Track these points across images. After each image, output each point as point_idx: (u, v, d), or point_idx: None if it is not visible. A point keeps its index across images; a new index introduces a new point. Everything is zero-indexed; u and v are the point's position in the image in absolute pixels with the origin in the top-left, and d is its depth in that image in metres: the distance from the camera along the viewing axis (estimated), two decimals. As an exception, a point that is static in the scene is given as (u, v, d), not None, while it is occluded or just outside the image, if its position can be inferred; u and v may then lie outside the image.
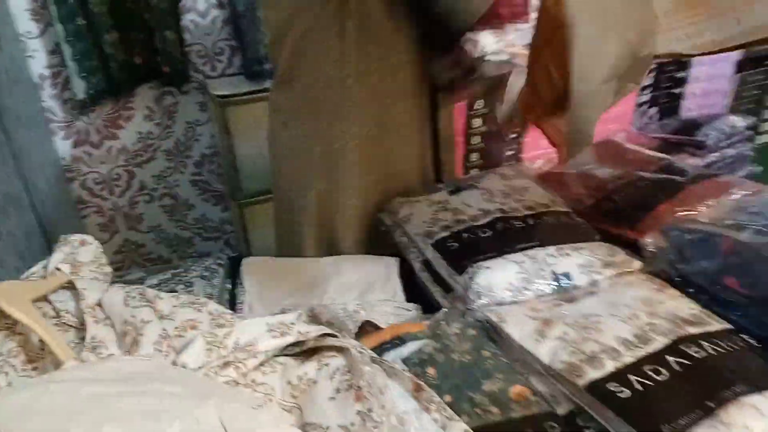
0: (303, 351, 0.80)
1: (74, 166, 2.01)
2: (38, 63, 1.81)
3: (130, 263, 2.22)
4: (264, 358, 0.76)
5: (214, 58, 1.97)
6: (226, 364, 0.73)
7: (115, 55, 1.83)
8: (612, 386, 0.67)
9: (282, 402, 0.71)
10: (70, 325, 0.84)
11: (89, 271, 0.90)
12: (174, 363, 0.73)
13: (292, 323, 0.78)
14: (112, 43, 1.79)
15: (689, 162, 1.51)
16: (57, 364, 0.71)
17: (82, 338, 0.80)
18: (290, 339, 0.77)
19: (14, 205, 1.30)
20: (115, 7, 1.76)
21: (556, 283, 0.85)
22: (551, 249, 0.90)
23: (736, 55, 1.83)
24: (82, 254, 0.92)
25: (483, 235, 0.95)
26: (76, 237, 0.95)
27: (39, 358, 0.80)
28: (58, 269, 0.88)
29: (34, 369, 0.80)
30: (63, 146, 1.97)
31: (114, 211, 2.16)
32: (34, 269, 0.94)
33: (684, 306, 0.81)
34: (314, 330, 0.78)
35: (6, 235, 1.19)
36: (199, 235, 2.28)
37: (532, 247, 0.90)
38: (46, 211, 1.60)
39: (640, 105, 1.82)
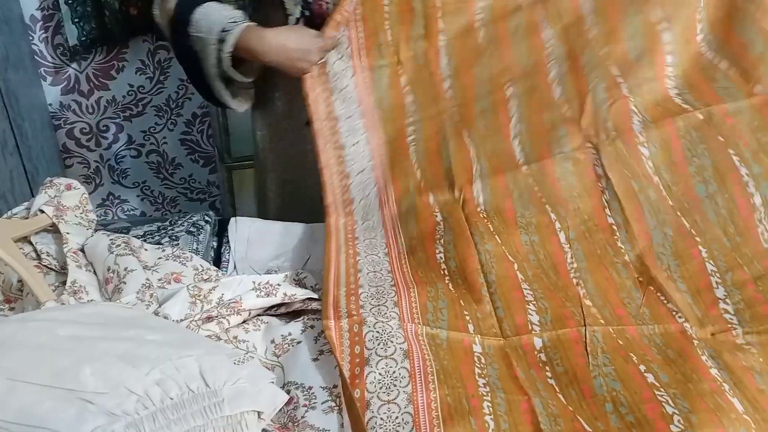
0: (287, 312, 0.79)
1: (61, 114, 1.96)
2: (30, 4, 1.76)
3: (113, 217, 2.19)
4: (247, 316, 0.76)
5: (213, 16, 1.93)
6: (209, 318, 0.73)
7: (111, 3, 1.78)
8: None
9: (264, 359, 0.71)
10: (51, 268, 0.82)
11: (73, 216, 0.89)
12: (156, 313, 0.72)
13: (279, 285, 0.77)
14: (108, -10, 1.74)
15: None
16: (35, 305, 0.70)
17: (63, 282, 0.79)
18: (275, 300, 0.76)
19: (1, 147, 1.27)
20: (114, -46, 1.70)
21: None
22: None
23: None
24: (67, 198, 0.90)
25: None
26: (62, 180, 0.93)
27: (17, 297, 0.79)
28: (41, 211, 0.87)
29: (11, 309, 0.78)
30: (51, 92, 1.91)
31: (99, 163, 2.12)
32: (16, 210, 0.92)
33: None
34: (300, 293, 0.78)
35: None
36: (184, 195, 2.25)
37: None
38: (32, 155, 1.57)
39: None
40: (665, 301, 0.72)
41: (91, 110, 2.04)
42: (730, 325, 0.69)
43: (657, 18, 0.87)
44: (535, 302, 0.74)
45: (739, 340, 0.68)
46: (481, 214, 0.84)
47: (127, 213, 2.25)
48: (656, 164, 0.80)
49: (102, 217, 2.19)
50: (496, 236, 0.81)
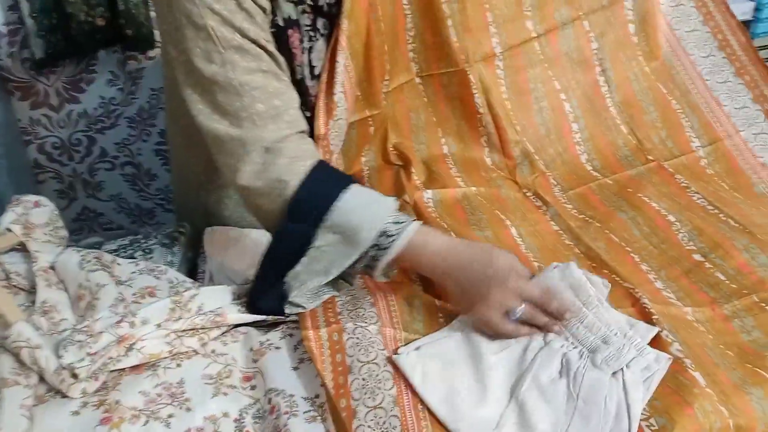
0: (265, 324, 0.78)
1: (31, 129, 1.92)
2: (-6, 19, 1.72)
3: (89, 232, 2.15)
4: (226, 329, 0.74)
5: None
6: (192, 334, 0.71)
7: (76, 14, 1.75)
8: None
9: (245, 370, 0.69)
10: (21, 288, 0.80)
11: (43, 234, 0.87)
12: (133, 318, 0.69)
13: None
14: (73, 1, 1.71)
15: None
16: (6, 325, 0.68)
17: (33, 301, 0.77)
18: (257, 317, 0.75)
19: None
20: (78, -36, 1.67)
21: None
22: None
23: None
24: (35, 216, 0.88)
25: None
26: (31, 198, 0.90)
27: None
28: (8, 230, 0.84)
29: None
30: (20, 107, 1.88)
31: (73, 178, 2.09)
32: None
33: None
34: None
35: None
36: (161, 206, 2.22)
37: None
38: (0, 173, 1.53)
39: None
40: (620, 281, 0.77)
41: (62, 124, 2.00)
42: (676, 306, 0.75)
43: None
44: None
45: (689, 316, 0.73)
46: (433, 214, 0.90)
47: (104, 227, 2.21)
48: (579, 210, 0.94)
49: (77, 233, 2.15)
50: (452, 233, 0.86)
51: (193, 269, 0.96)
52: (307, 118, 0.79)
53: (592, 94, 1.06)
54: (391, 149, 1.04)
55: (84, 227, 2.16)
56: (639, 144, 1.03)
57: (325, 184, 0.71)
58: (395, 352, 0.65)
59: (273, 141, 0.71)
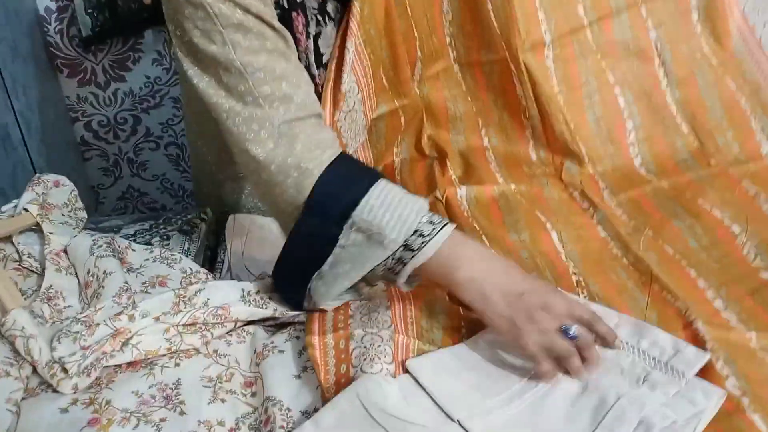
0: (275, 324, 0.73)
1: (78, 107, 1.94)
2: (45, -4, 1.74)
3: (133, 211, 2.17)
4: (232, 327, 0.70)
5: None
6: (194, 331, 0.67)
7: (125, -8, 1.75)
8: None
9: (248, 373, 0.65)
10: (32, 271, 0.78)
11: (60, 215, 0.84)
12: (133, 311, 0.65)
13: (270, 298, 0.71)
14: (122, -21, 1.70)
15: None
16: (4, 312, 0.65)
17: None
18: (265, 313, 0.70)
19: (2, 140, 1.24)
20: (127, -58, 1.66)
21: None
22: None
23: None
24: (54, 196, 0.86)
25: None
26: (50, 177, 0.88)
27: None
28: (25, 209, 0.82)
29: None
30: (68, 85, 1.89)
31: (118, 156, 2.10)
32: (5, 207, 0.88)
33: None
34: (292, 313, 0.71)
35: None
36: (205, 187, 2.22)
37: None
38: (42, 149, 1.54)
39: None
40: (672, 300, 0.68)
41: (108, 102, 2.01)
42: (737, 330, 0.64)
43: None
44: None
45: (752, 343, 0.63)
46: (465, 213, 0.82)
47: (148, 206, 2.23)
48: (630, 215, 0.85)
49: (122, 211, 2.17)
50: (483, 236, 0.79)
51: (213, 258, 0.92)
52: None
53: (650, 89, 0.96)
54: (425, 141, 0.97)
55: (128, 206, 2.18)
56: (701, 146, 0.93)
57: (349, 178, 0.64)
58: (404, 364, 0.60)
59: (285, 122, 0.65)
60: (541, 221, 0.83)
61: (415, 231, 0.62)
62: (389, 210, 0.62)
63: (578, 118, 0.93)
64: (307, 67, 0.77)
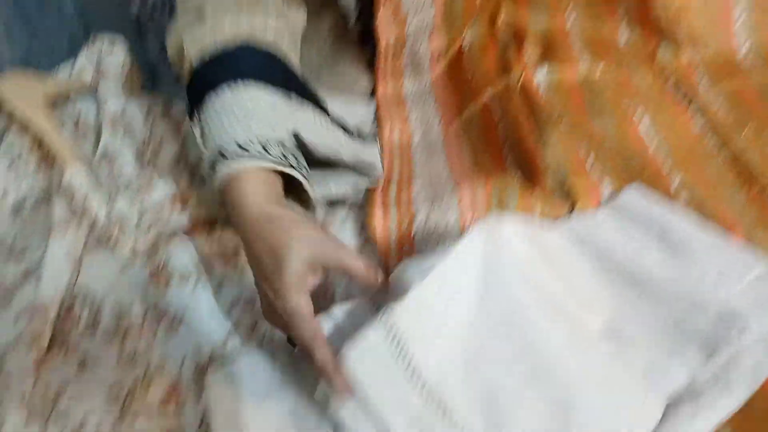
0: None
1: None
2: None
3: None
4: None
5: None
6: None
7: None
8: None
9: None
10: (89, 133, 0.76)
11: (116, 78, 0.81)
12: None
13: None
14: None
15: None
16: (63, 169, 0.64)
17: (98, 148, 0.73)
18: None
19: (58, 9, 1.20)
20: None
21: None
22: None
23: None
24: (110, 58, 0.83)
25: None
26: (106, 37, 0.85)
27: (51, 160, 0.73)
28: (82, 71, 0.80)
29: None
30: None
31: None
32: (61, 69, 0.86)
33: None
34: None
35: (42, 33, 1.11)
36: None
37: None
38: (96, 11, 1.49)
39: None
40: None
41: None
42: None
43: None
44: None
45: None
46: (541, 101, 0.75)
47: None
48: (730, 107, 0.75)
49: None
50: (563, 123, 0.72)
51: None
52: None
53: None
54: (500, 23, 0.88)
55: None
56: None
57: (222, 68, 0.54)
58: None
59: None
60: (630, 109, 0.75)
61: (220, 152, 0.51)
62: (225, 119, 0.52)
63: None
64: None
